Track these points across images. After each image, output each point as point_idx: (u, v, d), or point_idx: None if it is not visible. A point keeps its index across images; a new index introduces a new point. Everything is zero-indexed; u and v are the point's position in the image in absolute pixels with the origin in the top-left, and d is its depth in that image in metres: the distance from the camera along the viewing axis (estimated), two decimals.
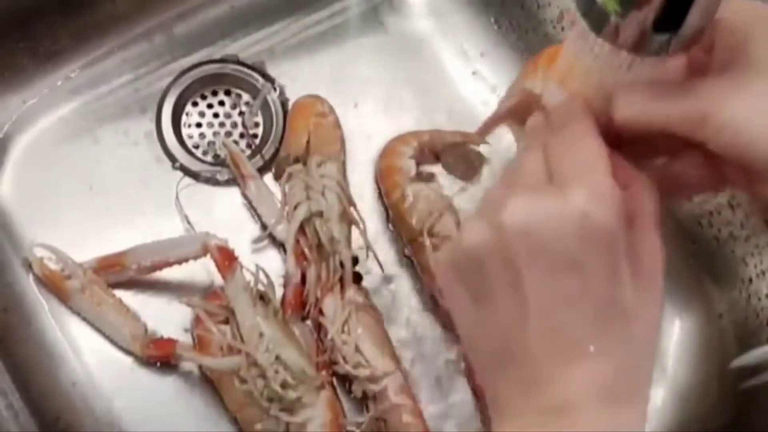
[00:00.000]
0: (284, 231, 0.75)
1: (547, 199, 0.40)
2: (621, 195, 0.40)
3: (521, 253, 0.40)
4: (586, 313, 0.40)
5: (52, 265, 0.73)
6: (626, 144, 0.44)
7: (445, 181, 0.78)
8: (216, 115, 0.81)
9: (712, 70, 0.43)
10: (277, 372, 0.68)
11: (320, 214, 0.74)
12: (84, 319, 0.73)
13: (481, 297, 0.42)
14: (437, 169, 0.79)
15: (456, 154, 0.79)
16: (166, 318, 0.73)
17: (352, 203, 0.76)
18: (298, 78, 0.82)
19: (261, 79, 0.82)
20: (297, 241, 0.74)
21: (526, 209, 0.40)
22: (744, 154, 0.40)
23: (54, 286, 0.73)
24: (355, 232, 0.76)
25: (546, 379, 0.40)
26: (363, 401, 0.72)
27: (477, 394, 0.73)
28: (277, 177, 0.79)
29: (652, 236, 0.42)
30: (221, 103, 0.82)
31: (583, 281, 0.39)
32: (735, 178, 0.44)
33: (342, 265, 0.74)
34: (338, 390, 0.72)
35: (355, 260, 0.75)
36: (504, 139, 0.80)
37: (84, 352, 0.73)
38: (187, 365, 0.72)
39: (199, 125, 0.81)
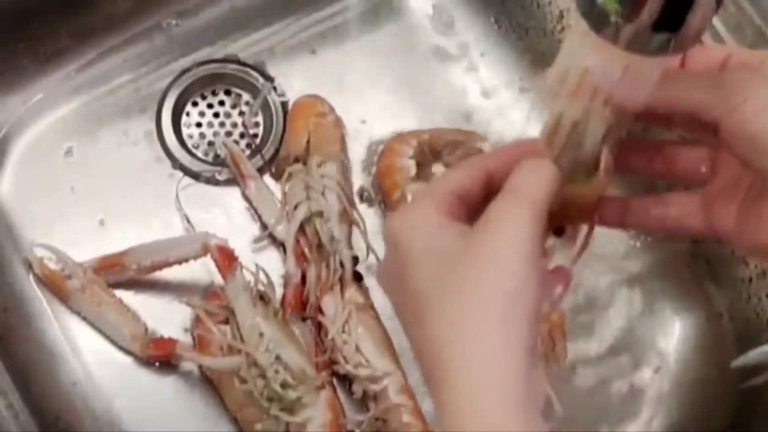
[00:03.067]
0: (284, 231, 0.75)
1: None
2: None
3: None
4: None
5: (52, 265, 0.73)
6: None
7: None
8: (216, 115, 0.81)
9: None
10: (277, 372, 0.68)
11: (320, 214, 0.74)
12: (84, 319, 0.73)
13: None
14: (437, 168, 0.79)
15: (456, 153, 0.79)
16: (166, 318, 0.73)
17: (352, 203, 0.76)
18: (298, 78, 0.82)
19: (261, 79, 0.82)
20: (297, 241, 0.74)
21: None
22: (756, 137, 0.41)
23: (54, 286, 0.73)
24: (355, 232, 0.76)
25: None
26: (363, 401, 0.72)
27: None
28: (277, 177, 0.79)
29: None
30: (221, 103, 0.82)
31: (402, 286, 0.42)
32: (721, 222, 0.45)
33: (342, 264, 0.74)
34: (338, 390, 0.72)
35: (355, 260, 0.75)
36: (504, 139, 0.81)
37: (84, 352, 0.73)
38: (187, 365, 0.72)
39: (199, 125, 0.81)
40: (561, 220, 0.46)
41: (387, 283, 0.45)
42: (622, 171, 0.47)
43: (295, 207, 0.75)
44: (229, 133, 0.81)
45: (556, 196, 0.42)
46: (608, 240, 0.79)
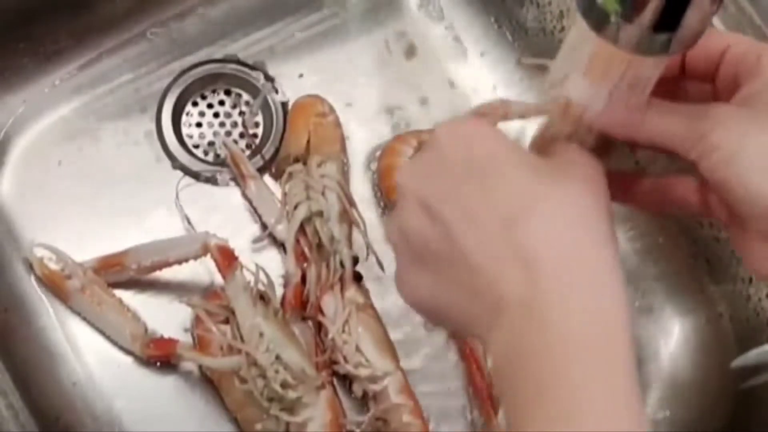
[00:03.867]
0: (284, 231, 0.76)
1: (425, 149, 0.43)
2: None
3: (422, 194, 0.41)
4: (497, 202, 0.40)
5: (53, 265, 0.73)
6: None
7: None
8: (216, 115, 0.81)
9: (717, 98, 0.44)
10: (277, 372, 0.68)
11: (320, 213, 0.74)
12: (84, 319, 0.73)
13: (419, 253, 0.42)
14: None
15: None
16: (166, 318, 0.73)
17: (352, 203, 0.76)
18: (298, 78, 0.82)
19: (261, 79, 0.82)
20: (297, 241, 0.74)
21: (409, 166, 0.43)
22: (729, 184, 0.40)
23: (54, 286, 0.73)
24: (355, 232, 0.76)
25: (498, 275, 0.39)
26: (363, 401, 0.72)
27: (474, 387, 0.73)
28: (277, 177, 0.79)
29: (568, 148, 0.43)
30: (221, 103, 0.82)
31: (485, 185, 0.40)
32: (719, 213, 0.45)
33: (342, 264, 0.74)
34: (338, 390, 0.72)
35: (355, 260, 0.75)
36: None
37: (84, 352, 0.73)
38: (187, 365, 0.72)
39: (199, 125, 0.81)
40: None
41: (448, 188, 0.41)
42: (615, 200, 0.47)
43: (295, 207, 0.75)
44: (229, 133, 0.81)
45: None
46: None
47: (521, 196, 0.39)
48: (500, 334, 0.39)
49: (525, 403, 0.38)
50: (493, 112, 0.47)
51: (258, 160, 0.79)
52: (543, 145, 0.45)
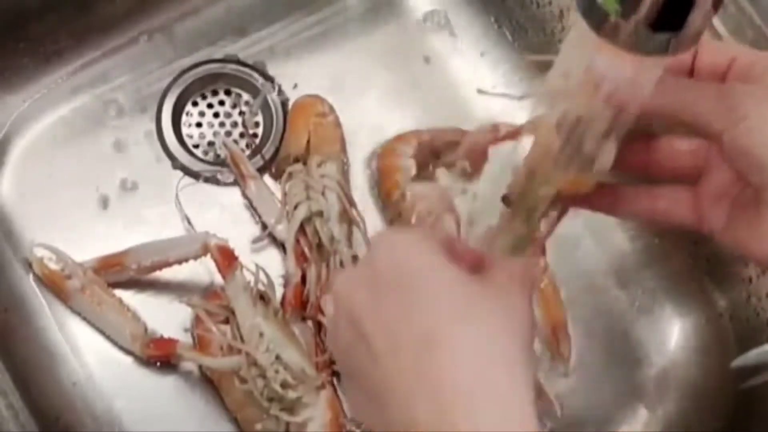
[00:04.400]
0: (284, 231, 0.76)
1: (360, 264, 0.45)
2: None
3: (353, 313, 0.42)
4: (420, 326, 0.40)
5: (53, 265, 0.73)
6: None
7: (446, 180, 0.78)
8: (216, 115, 0.81)
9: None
10: (277, 372, 0.68)
11: (320, 213, 0.74)
12: (84, 319, 0.73)
13: (349, 366, 0.43)
14: (437, 168, 0.79)
15: (456, 153, 0.79)
16: (166, 318, 0.73)
17: (352, 203, 0.76)
18: (298, 78, 0.82)
19: (261, 79, 0.82)
20: (297, 241, 0.74)
21: (344, 280, 0.44)
22: (753, 151, 0.42)
23: (54, 286, 0.73)
24: (355, 232, 0.76)
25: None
26: None
27: None
28: (277, 177, 0.79)
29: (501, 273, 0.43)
30: (221, 103, 0.82)
31: (407, 298, 0.40)
32: (711, 220, 0.46)
33: (342, 264, 0.74)
34: (338, 390, 0.72)
35: (355, 260, 0.75)
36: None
37: (84, 352, 0.73)
38: (187, 365, 0.72)
39: (199, 125, 0.81)
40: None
41: (370, 310, 0.41)
42: (618, 168, 0.47)
43: (295, 207, 0.75)
44: (229, 133, 0.81)
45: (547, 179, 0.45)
46: (608, 240, 0.79)
47: (438, 316, 0.39)
48: None
49: None
50: (483, 138, 0.48)
51: (258, 160, 0.79)
52: (534, 164, 0.46)
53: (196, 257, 0.72)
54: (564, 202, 0.48)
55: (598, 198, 0.48)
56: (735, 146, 0.42)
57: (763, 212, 0.43)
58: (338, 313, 0.43)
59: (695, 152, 0.47)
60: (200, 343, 0.71)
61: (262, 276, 0.71)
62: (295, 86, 0.82)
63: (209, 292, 0.74)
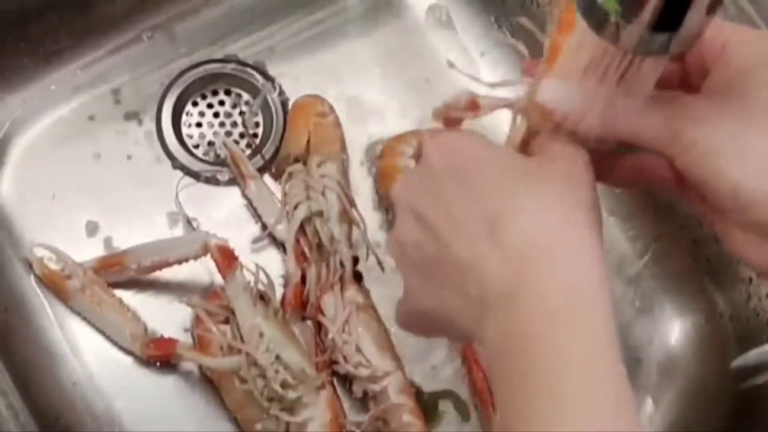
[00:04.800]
0: (284, 231, 0.76)
1: (418, 165, 0.45)
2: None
3: (415, 207, 0.43)
4: (483, 208, 0.41)
5: (53, 265, 0.73)
6: None
7: None
8: (216, 115, 0.81)
9: (686, 78, 0.45)
10: (277, 372, 0.68)
11: (320, 213, 0.74)
12: (84, 319, 0.73)
13: (416, 261, 0.44)
14: None
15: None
16: (166, 318, 0.73)
17: (352, 203, 0.76)
18: (298, 78, 0.82)
19: (261, 79, 0.82)
20: (297, 241, 0.74)
21: (404, 182, 0.46)
22: (707, 179, 0.41)
23: (54, 285, 0.73)
24: (355, 232, 0.76)
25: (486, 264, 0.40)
26: (363, 401, 0.72)
27: (475, 387, 0.73)
28: (277, 177, 0.79)
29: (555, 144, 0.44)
30: (221, 103, 0.82)
31: (470, 189, 0.42)
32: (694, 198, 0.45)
33: (342, 264, 0.74)
34: (338, 390, 0.72)
35: (355, 260, 0.75)
36: (504, 137, 0.80)
37: (84, 352, 0.73)
38: (187, 365, 0.72)
39: (199, 125, 0.81)
40: None
41: (429, 194, 0.43)
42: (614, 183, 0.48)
43: (295, 207, 0.75)
44: (229, 133, 0.81)
45: None
46: (608, 240, 0.79)
47: (503, 194, 0.41)
48: (489, 328, 0.40)
49: (512, 389, 0.38)
50: (462, 109, 0.49)
51: (258, 160, 0.79)
52: (524, 140, 0.46)
53: (196, 257, 0.72)
54: None
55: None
56: (690, 175, 0.41)
57: (731, 225, 0.42)
58: (401, 215, 0.44)
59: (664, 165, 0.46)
60: (200, 343, 0.71)
61: (262, 276, 0.71)
62: (296, 86, 0.82)
63: (209, 292, 0.74)
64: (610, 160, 0.47)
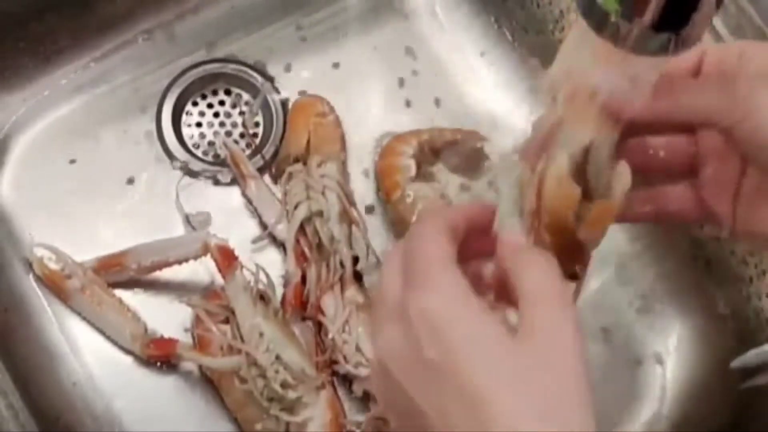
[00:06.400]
0: (284, 231, 0.76)
1: (388, 329, 0.41)
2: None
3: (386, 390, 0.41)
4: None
5: (53, 265, 0.73)
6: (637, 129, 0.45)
7: (446, 179, 0.78)
8: (216, 115, 0.81)
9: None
10: (277, 372, 0.68)
11: (320, 213, 0.74)
12: (84, 318, 0.73)
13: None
14: (437, 167, 0.79)
15: (456, 152, 0.79)
16: (166, 318, 0.73)
17: (352, 203, 0.76)
18: (298, 78, 0.82)
19: (261, 79, 0.82)
20: (297, 241, 0.74)
21: (381, 341, 0.41)
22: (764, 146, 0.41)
23: (54, 285, 0.73)
24: (355, 232, 0.76)
25: None
26: (363, 401, 0.72)
27: None
28: (277, 177, 0.79)
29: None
30: (221, 103, 0.82)
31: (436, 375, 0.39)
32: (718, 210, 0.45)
33: (342, 264, 0.74)
34: (338, 390, 0.72)
35: (356, 260, 0.75)
36: (504, 137, 0.81)
37: (84, 352, 0.73)
38: (187, 365, 0.72)
39: (199, 125, 0.81)
40: (570, 253, 0.44)
41: (410, 373, 0.40)
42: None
43: (295, 207, 0.75)
44: (229, 133, 0.81)
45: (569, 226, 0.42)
46: (608, 240, 0.79)
47: (479, 384, 0.38)
48: None
49: None
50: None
51: (258, 160, 0.79)
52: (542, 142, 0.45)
53: (196, 257, 0.72)
54: (580, 251, 0.45)
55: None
56: (749, 139, 0.42)
57: None
58: (387, 383, 0.41)
59: (683, 146, 0.47)
60: (200, 343, 0.71)
61: (262, 276, 0.71)
62: (295, 86, 0.82)
63: (209, 292, 0.74)
64: (628, 197, 0.47)
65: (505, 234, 0.43)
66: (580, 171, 0.43)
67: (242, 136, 0.81)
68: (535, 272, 0.41)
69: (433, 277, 0.40)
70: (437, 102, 0.83)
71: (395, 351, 0.40)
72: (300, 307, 0.73)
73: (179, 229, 0.77)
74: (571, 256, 0.44)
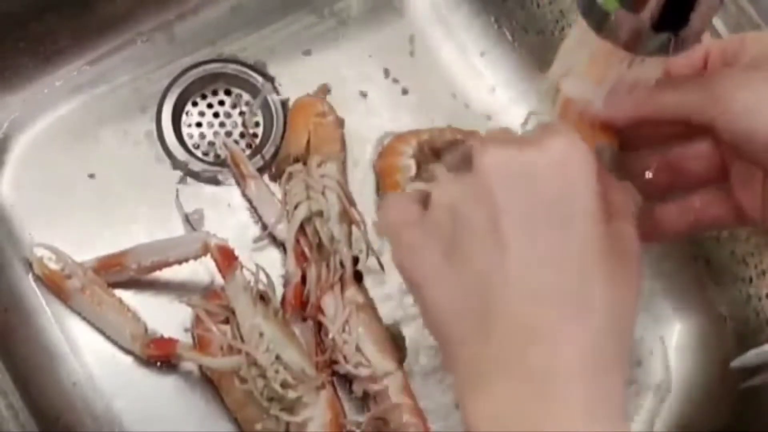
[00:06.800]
0: (284, 231, 0.76)
1: (525, 148, 0.39)
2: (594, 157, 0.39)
3: (500, 200, 0.38)
4: (569, 270, 0.38)
5: (52, 265, 0.73)
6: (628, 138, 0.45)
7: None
8: (216, 115, 0.81)
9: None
10: (277, 372, 0.68)
11: (320, 213, 0.74)
12: (84, 318, 0.73)
13: (454, 249, 0.39)
14: (437, 167, 0.79)
15: (456, 152, 0.79)
16: (166, 318, 0.73)
17: (352, 203, 0.76)
18: (298, 78, 0.82)
19: (261, 79, 0.82)
20: (297, 241, 0.74)
21: (504, 156, 0.39)
22: (755, 132, 0.42)
23: (54, 285, 0.73)
24: (355, 232, 0.76)
25: (530, 338, 0.37)
26: (363, 401, 0.72)
27: None
28: (277, 177, 0.79)
29: (630, 228, 0.41)
30: (221, 103, 0.82)
31: (564, 234, 0.38)
32: (748, 206, 0.46)
33: (342, 264, 0.74)
34: (338, 390, 0.72)
35: (356, 260, 0.75)
36: None
37: (84, 352, 0.73)
38: (187, 365, 0.72)
39: (199, 125, 0.81)
40: None
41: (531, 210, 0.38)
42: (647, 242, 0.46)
43: (295, 207, 0.75)
44: (229, 133, 0.81)
45: None
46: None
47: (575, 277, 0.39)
48: (493, 345, 0.38)
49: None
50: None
51: (258, 160, 0.79)
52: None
53: (196, 257, 0.72)
54: None
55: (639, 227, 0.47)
56: (730, 131, 0.42)
57: None
58: (474, 193, 0.40)
59: (707, 151, 0.47)
60: (200, 343, 0.71)
61: (262, 276, 0.71)
62: (295, 86, 0.82)
63: (209, 292, 0.74)
64: (657, 214, 0.48)
65: None
66: None
67: (242, 136, 0.81)
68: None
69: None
70: (437, 102, 0.83)
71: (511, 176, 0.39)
72: (300, 307, 0.73)
73: (179, 229, 0.77)
74: None
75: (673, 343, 0.78)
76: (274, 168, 0.79)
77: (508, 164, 0.39)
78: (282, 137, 0.80)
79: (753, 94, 0.42)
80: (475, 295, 0.38)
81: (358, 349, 0.71)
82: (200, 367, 0.72)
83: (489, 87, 0.84)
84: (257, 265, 0.71)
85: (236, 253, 0.71)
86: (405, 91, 0.83)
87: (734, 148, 0.43)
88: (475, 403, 0.38)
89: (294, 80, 0.82)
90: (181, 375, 0.73)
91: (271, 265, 0.74)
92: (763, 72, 0.43)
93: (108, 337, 0.72)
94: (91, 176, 0.78)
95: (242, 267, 0.70)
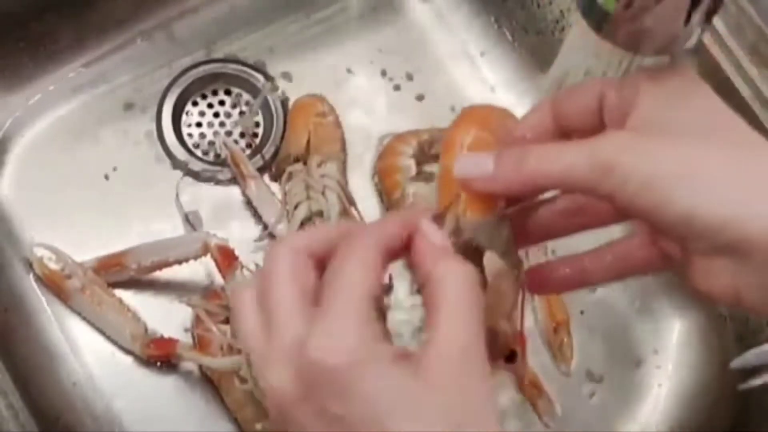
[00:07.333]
0: (284, 231, 0.76)
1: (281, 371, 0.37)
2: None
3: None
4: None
5: (53, 265, 0.73)
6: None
7: None
8: (216, 115, 0.81)
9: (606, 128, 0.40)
10: None
11: (320, 213, 0.74)
12: (84, 319, 0.73)
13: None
14: (437, 168, 0.79)
15: None
16: (166, 318, 0.73)
17: (352, 203, 0.76)
18: (298, 78, 0.82)
19: (261, 79, 0.82)
20: None
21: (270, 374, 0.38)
22: (656, 211, 0.37)
23: (54, 285, 0.73)
24: None
25: None
26: None
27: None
28: (277, 177, 0.79)
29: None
30: (221, 103, 0.82)
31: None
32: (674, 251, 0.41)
33: None
34: None
35: None
36: None
37: (84, 352, 0.73)
38: (187, 365, 0.72)
39: (199, 125, 0.81)
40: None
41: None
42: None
43: (296, 207, 0.75)
44: (229, 133, 0.81)
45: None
46: (609, 240, 0.79)
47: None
48: None
49: None
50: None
51: (258, 160, 0.79)
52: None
53: (196, 257, 0.72)
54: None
55: (566, 276, 0.45)
56: (634, 209, 0.37)
57: (690, 255, 0.39)
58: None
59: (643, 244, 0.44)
60: (200, 343, 0.71)
61: None
62: (295, 86, 0.82)
63: (209, 292, 0.74)
64: (587, 261, 0.45)
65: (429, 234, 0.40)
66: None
67: (242, 136, 0.81)
68: (449, 280, 0.38)
69: (339, 321, 0.36)
70: (437, 102, 0.83)
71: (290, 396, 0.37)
72: None
73: (179, 229, 0.77)
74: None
75: (673, 343, 0.78)
76: (274, 168, 0.79)
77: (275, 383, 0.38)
78: (282, 137, 0.80)
79: (650, 163, 0.36)
80: None
81: None
82: (200, 367, 0.72)
83: (489, 87, 0.84)
84: (257, 265, 0.72)
85: (236, 253, 0.71)
86: (405, 91, 0.83)
87: (645, 224, 0.39)
88: None
89: (294, 80, 0.82)
90: (181, 375, 0.73)
91: None
92: (661, 130, 0.37)
93: (108, 337, 0.73)
94: (91, 176, 0.78)
95: (242, 267, 0.70)
